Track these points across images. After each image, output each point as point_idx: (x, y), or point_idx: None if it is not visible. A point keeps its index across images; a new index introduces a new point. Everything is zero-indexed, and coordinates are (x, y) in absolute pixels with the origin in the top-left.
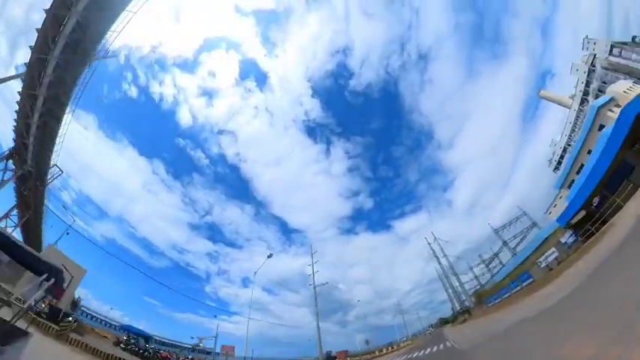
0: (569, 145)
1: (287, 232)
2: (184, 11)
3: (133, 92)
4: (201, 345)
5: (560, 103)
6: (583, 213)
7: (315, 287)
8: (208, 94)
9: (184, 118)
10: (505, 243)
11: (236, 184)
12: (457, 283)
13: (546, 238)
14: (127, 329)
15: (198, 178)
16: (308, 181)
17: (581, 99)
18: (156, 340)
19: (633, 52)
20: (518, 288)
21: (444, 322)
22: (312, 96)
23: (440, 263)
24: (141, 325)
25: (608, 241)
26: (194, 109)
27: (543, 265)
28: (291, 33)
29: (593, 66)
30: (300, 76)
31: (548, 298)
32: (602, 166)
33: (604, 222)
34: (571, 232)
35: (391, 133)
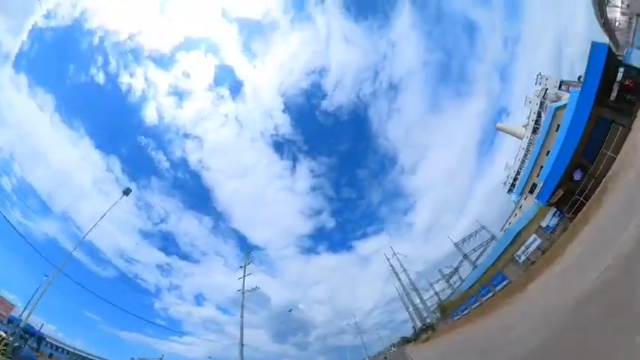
0: (521, 169)
1: (246, 248)
2: (171, 4)
3: (100, 78)
4: None
5: (514, 134)
6: (561, 192)
7: (243, 293)
8: (179, 94)
9: (150, 115)
10: (465, 256)
11: (196, 193)
12: (418, 300)
13: (524, 227)
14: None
15: (156, 182)
16: (271, 197)
17: (533, 128)
18: (68, 351)
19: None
20: (490, 294)
21: (405, 340)
22: (284, 111)
23: (399, 279)
24: (78, 343)
25: (607, 209)
26: (162, 108)
27: (523, 258)
28: (273, 46)
29: (544, 99)
30: (274, 90)
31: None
32: (577, 128)
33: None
34: (554, 211)
35: (357, 155)
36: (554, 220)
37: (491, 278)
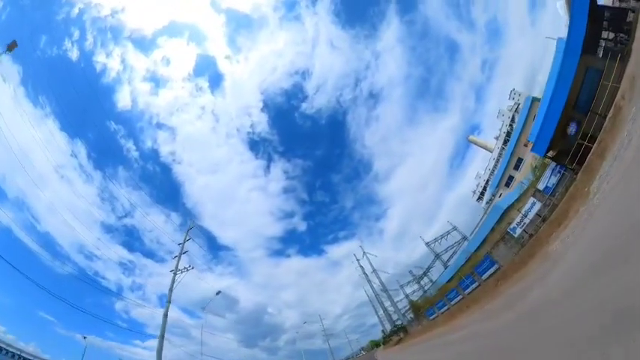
0: (490, 179)
1: (215, 248)
2: None
3: (74, 54)
4: None
5: (484, 147)
6: (552, 153)
7: (175, 273)
8: (156, 81)
9: (123, 100)
10: (437, 256)
11: (165, 187)
12: (388, 303)
13: (518, 198)
14: None
15: (123, 173)
16: (242, 196)
17: (504, 139)
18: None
19: None
20: (475, 285)
21: (375, 344)
22: (262, 110)
23: (369, 280)
24: (30, 348)
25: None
26: (136, 93)
27: (519, 231)
28: (258, 42)
29: (516, 113)
30: (255, 87)
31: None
32: (565, 80)
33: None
34: (552, 167)
35: (332, 159)
36: (554, 179)
37: (476, 265)
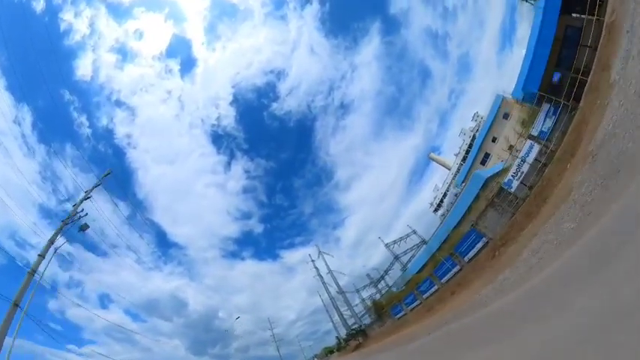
0: (448, 191)
1: (165, 245)
2: None
3: (38, 6)
4: None
5: (444, 165)
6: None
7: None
8: (124, 54)
9: (83, 67)
10: (397, 257)
11: (116, 173)
12: (345, 307)
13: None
14: None
15: (71, 151)
16: (199, 192)
17: (463, 157)
18: None
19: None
20: (456, 269)
21: (328, 351)
22: (231, 104)
23: (324, 283)
24: None
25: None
26: (99, 63)
27: (516, 184)
28: (239, 34)
29: (477, 133)
30: (227, 80)
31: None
32: (545, 41)
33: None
34: (545, 110)
35: (296, 163)
36: (549, 122)
37: (458, 244)
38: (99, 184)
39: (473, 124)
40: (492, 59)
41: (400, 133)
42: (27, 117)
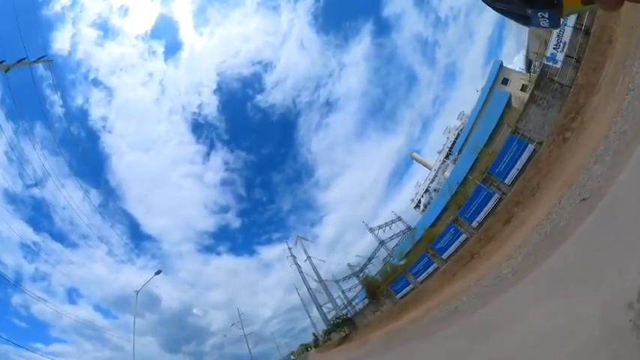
0: (430, 187)
1: (137, 237)
2: None
3: None
4: None
5: (425, 164)
6: None
7: None
8: (106, 30)
9: (61, 41)
10: (382, 243)
11: (88, 157)
12: (324, 300)
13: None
14: None
15: (41, 131)
16: (175, 182)
17: (446, 154)
18: None
19: None
20: (494, 201)
21: (305, 348)
22: (214, 92)
23: (301, 272)
24: None
25: None
26: (78, 37)
27: (561, 58)
28: (228, 20)
29: (461, 132)
30: (213, 66)
31: None
32: None
33: None
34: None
35: (276, 158)
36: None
37: (494, 163)
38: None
39: (458, 123)
40: (477, 71)
41: (383, 135)
42: None
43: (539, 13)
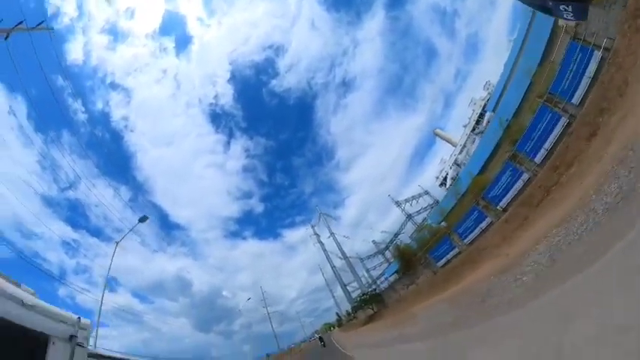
0: (458, 163)
1: (167, 227)
2: None
3: None
4: None
5: (449, 141)
6: None
7: None
8: (115, 34)
9: (74, 51)
10: (409, 216)
11: (114, 157)
12: (349, 279)
13: None
14: None
15: (68, 138)
16: (198, 172)
17: (473, 127)
18: None
19: None
20: (562, 126)
21: (328, 327)
22: (229, 81)
23: (324, 250)
24: None
25: None
26: (91, 46)
27: None
28: (235, 8)
29: (488, 103)
30: (224, 56)
31: None
32: None
33: None
34: None
35: (295, 142)
36: None
37: (556, 78)
38: None
39: (484, 94)
40: (502, 42)
41: (403, 113)
42: (22, 107)
43: (561, 6)
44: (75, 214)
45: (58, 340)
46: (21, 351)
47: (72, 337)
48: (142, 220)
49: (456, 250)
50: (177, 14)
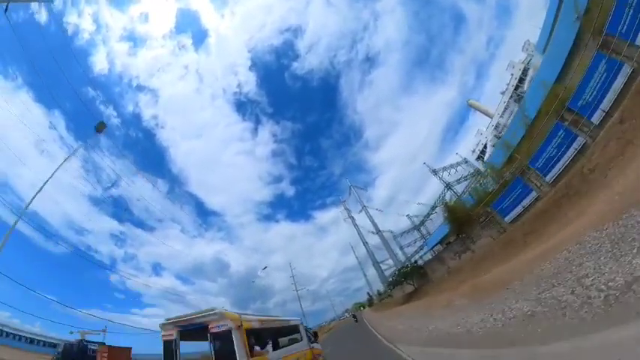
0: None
1: (203, 214)
2: None
3: (42, 16)
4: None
5: (485, 112)
6: None
7: None
8: (134, 40)
9: (99, 63)
10: (448, 186)
11: (149, 154)
12: (383, 256)
13: None
14: None
15: (105, 141)
16: (229, 160)
17: (511, 94)
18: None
19: None
20: None
21: (359, 306)
22: (250, 69)
23: (356, 225)
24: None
25: None
26: (113, 54)
27: None
28: None
29: (528, 66)
30: (242, 45)
31: None
32: None
33: None
34: None
35: (322, 124)
36: None
37: None
38: None
39: (523, 56)
40: (538, 2)
41: (432, 87)
42: (60, 120)
43: None
44: (119, 209)
45: None
46: None
47: None
48: (99, 128)
49: (533, 194)
50: (190, 11)
